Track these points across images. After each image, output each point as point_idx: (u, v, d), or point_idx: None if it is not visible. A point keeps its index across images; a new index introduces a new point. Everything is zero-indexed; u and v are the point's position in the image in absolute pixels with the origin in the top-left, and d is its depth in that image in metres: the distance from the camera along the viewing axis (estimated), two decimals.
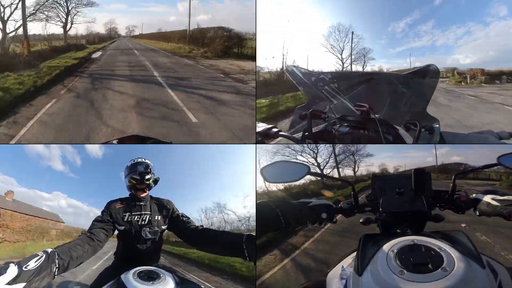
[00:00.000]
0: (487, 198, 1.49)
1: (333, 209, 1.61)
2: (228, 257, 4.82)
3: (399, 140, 2.15)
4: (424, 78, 2.36)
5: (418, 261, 1.12)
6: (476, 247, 1.21)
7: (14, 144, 5.25)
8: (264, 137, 2.21)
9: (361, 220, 1.64)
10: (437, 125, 2.07)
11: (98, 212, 2.01)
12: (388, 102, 2.43)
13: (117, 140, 2.19)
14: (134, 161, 2.10)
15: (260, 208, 1.52)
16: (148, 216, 2.02)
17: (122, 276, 1.48)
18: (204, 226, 1.98)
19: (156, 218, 2.03)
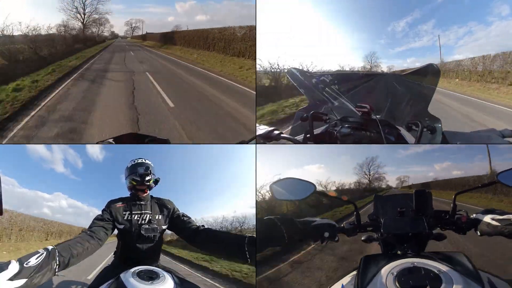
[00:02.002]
0: (487, 218, 1.50)
1: (335, 229, 1.64)
2: None
3: (400, 140, 2.15)
4: (425, 77, 2.36)
5: (417, 284, 1.15)
6: (476, 266, 1.24)
7: (15, 144, 5.23)
8: (266, 140, 2.21)
9: (362, 238, 1.67)
10: (439, 125, 2.06)
11: (98, 213, 2.00)
12: (389, 103, 2.43)
13: (113, 139, 2.18)
14: (134, 161, 2.10)
15: (265, 223, 1.58)
16: (148, 215, 2.02)
17: (122, 275, 1.48)
18: (205, 226, 1.98)
19: (156, 217, 2.03)
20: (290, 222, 1.59)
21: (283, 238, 1.53)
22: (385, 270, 1.23)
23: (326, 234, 1.60)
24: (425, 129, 2.05)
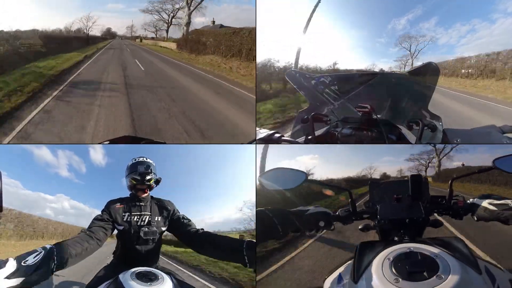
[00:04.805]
0: (484, 203, 1.50)
1: (330, 217, 1.62)
2: None
3: (402, 139, 2.14)
4: (425, 76, 2.36)
5: (413, 269, 1.13)
6: (473, 252, 1.22)
7: (15, 144, 5.23)
8: (266, 143, 2.20)
9: (360, 227, 1.65)
10: (440, 123, 2.06)
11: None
12: (390, 102, 2.43)
13: (109, 141, 2.17)
14: (135, 160, 2.08)
15: (258, 217, 1.55)
16: (147, 217, 2.01)
17: (120, 276, 1.46)
18: (205, 230, 1.96)
19: (156, 219, 2.02)
20: (283, 213, 1.56)
21: (277, 230, 1.51)
22: (381, 256, 1.21)
23: (322, 223, 1.59)
24: (426, 128, 2.05)
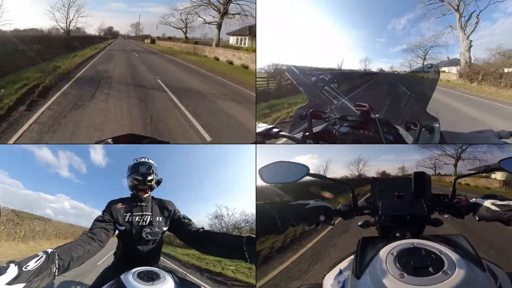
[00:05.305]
0: (487, 203, 1.49)
1: (331, 212, 1.61)
2: None
3: (399, 140, 2.15)
4: (424, 77, 2.37)
5: (418, 264, 1.12)
6: (477, 250, 1.21)
7: (15, 144, 5.24)
8: (265, 138, 2.21)
9: (359, 223, 1.65)
10: (438, 125, 2.07)
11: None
12: (388, 102, 2.44)
13: (111, 139, 2.17)
14: (136, 160, 2.08)
15: (258, 211, 1.54)
16: (149, 217, 2.02)
17: (122, 276, 1.48)
18: (205, 228, 1.98)
19: (157, 219, 2.03)
20: (283, 207, 1.56)
21: (276, 225, 1.50)
22: (384, 251, 1.20)
23: (322, 218, 1.57)
24: (423, 129, 2.05)
